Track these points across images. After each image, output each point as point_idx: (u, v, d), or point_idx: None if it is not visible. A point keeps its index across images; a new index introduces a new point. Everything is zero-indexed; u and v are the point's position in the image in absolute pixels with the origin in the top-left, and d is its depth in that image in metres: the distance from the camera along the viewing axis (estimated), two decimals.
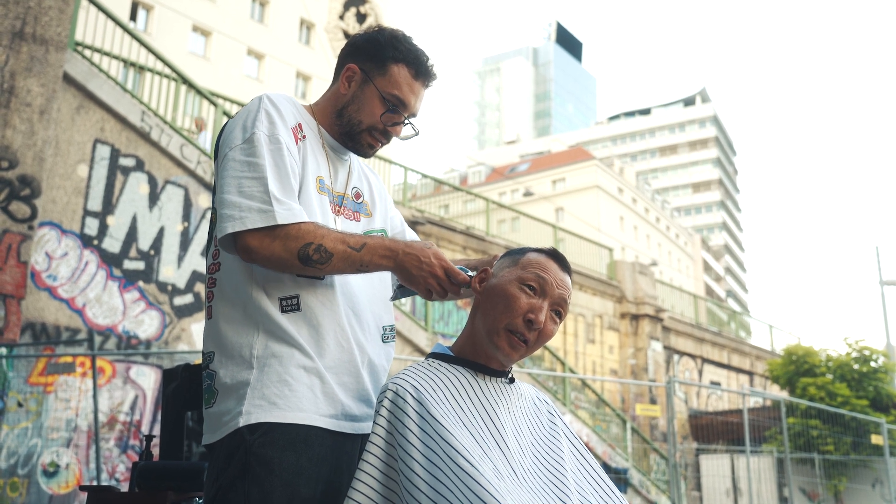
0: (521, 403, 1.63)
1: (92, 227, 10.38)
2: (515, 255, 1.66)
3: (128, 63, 11.63)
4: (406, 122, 1.80)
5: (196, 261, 11.24)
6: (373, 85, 1.73)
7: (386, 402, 1.51)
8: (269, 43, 34.11)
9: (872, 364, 20.08)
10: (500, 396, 1.58)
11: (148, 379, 10.25)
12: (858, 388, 19.68)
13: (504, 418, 1.55)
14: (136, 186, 10.89)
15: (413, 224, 15.75)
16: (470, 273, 1.66)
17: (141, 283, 10.64)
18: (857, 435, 16.38)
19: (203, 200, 11.49)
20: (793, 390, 20.38)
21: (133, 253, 10.69)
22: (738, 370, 25.11)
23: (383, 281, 1.82)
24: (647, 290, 21.17)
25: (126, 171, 10.73)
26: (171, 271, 10.97)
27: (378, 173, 13.45)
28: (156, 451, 2.09)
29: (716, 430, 19.53)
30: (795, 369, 20.49)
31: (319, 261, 1.52)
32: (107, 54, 11.06)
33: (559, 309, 1.60)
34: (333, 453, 1.56)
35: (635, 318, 20.75)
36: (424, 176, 19.77)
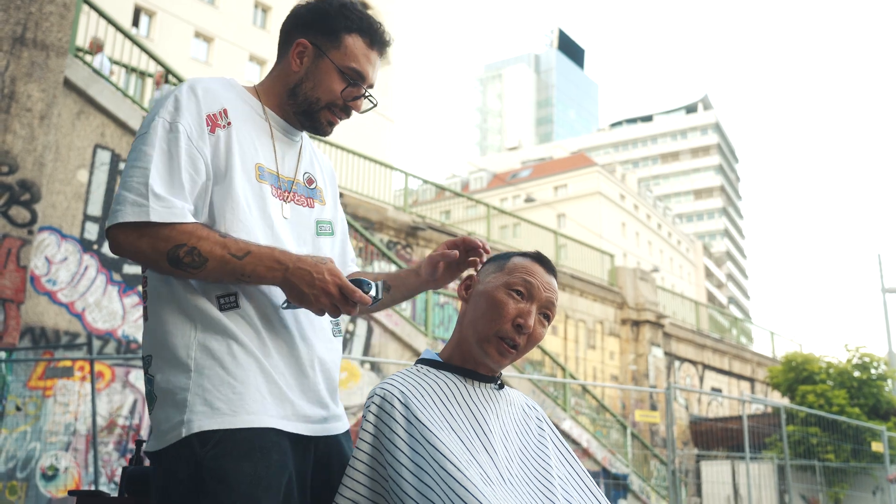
0: (509, 410, 1.62)
1: (92, 231, 10.39)
2: (500, 260, 1.66)
3: (129, 69, 11.67)
4: (365, 94, 1.69)
5: None
6: (328, 59, 1.62)
7: (373, 408, 1.50)
8: (271, 49, 34.14)
9: (872, 371, 20.04)
10: (489, 402, 1.58)
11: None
12: (858, 396, 19.64)
13: (492, 424, 1.54)
14: None
15: (414, 229, 15.76)
16: (372, 293, 1.53)
17: (140, 288, 10.63)
18: (856, 442, 16.33)
19: None
20: (793, 397, 20.34)
21: (138, 269, 10.68)
22: (740, 377, 25.06)
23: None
24: (649, 297, 21.15)
25: None
26: None
27: (378, 178, 13.36)
28: None
29: (716, 437, 19.48)
30: (795, 376, 20.45)
31: (191, 265, 1.42)
32: (109, 59, 11.09)
33: (547, 312, 1.60)
34: (296, 458, 1.50)
35: (636, 324, 20.73)
36: (425, 182, 19.78)
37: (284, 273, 1.46)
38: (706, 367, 23.60)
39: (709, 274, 75.30)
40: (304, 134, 1.77)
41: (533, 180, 55.21)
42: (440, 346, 13.88)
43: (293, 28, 1.67)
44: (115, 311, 10.35)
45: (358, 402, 12.60)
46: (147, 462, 2.14)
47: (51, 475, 9.39)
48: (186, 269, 1.43)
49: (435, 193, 28.52)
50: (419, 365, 1.62)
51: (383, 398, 1.50)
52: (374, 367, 13.03)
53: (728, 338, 28.34)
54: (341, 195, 14.61)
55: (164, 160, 1.46)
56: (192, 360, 1.42)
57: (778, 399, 24.00)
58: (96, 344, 10.05)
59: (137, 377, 9.29)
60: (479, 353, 1.57)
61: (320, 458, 1.58)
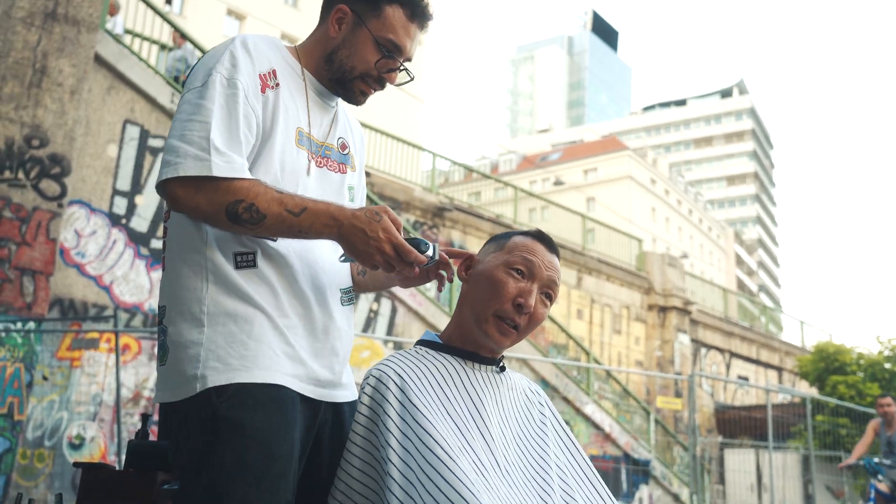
0: (510, 394, 1.59)
1: (120, 206, 10.51)
2: (501, 239, 1.62)
3: (161, 45, 11.73)
4: (401, 67, 1.66)
5: None
6: (366, 28, 1.60)
7: (368, 389, 1.49)
8: (302, 28, 34.16)
9: None
10: (488, 386, 1.55)
11: None
12: (890, 388, 19.34)
13: (490, 409, 1.51)
14: None
15: (440, 210, 15.74)
16: (429, 253, 1.51)
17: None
18: None
19: None
20: (822, 388, 20.09)
21: (160, 233, 10.80)
22: (767, 365, 24.79)
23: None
24: (676, 283, 20.96)
25: (155, 152, 10.83)
26: None
27: (406, 158, 13.39)
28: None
29: (741, 425, 19.33)
30: (825, 366, 20.20)
31: (250, 220, 1.41)
32: (139, 36, 11.16)
33: (549, 291, 1.56)
34: (304, 417, 1.50)
35: (663, 310, 20.56)
36: (454, 163, 19.71)
37: (339, 230, 1.46)
38: (733, 354, 23.37)
39: (739, 261, 74.44)
40: (340, 99, 1.75)
41: (563, 163, 54.86)
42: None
43: None
44: (143, 284, 10.47)
45: None
46: (153, 437, 2.15)
47: (77, 444, 9.57)
48: (245, 224, 1.42)
49: (464, 175, 28.46)
50: (419, 346, 1.60)
51: (379, 379, 1.48)
52: (398, 347, 13.09)
53: (757, 326, 28.03)
54: (368, 174, 14.66)
55: (224, 116, 1.45)
56: (205, 316, 1.43)
57: (806, 389, 23.73)
58: (123, 317, 10.18)
59: None
60: (479, 334, 1.53)
61: (323, 423, 1.57)
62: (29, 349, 8.90)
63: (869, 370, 19.70)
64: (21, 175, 9.26)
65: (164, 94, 10.71)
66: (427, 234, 15.60)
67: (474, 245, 16.53)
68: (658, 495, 16.68)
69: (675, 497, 16.63)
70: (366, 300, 12.90)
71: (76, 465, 2.17)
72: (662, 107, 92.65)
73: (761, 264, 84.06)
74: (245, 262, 1.47)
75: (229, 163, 1.41)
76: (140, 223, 10.60)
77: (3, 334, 8.80)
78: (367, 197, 13.40)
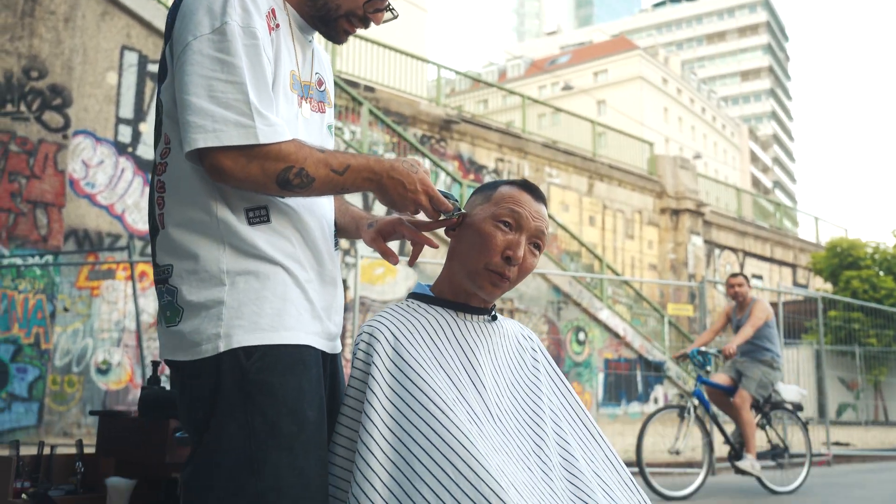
0: (502, 342, 1.59)
1: (125, 134, 10.45)
2: (487, 190, 1.59)
3: None
4: (388, 7, 1.58)
5: None
6: None
7: (362, 345, 1.49)
8: None
9: None
10: (480, 336, 1.55)
11: None
12: None
13: (483, 359, 1.52)
14: None
15: (447, 123, 15.54)
16: (458, 204, 1.54)
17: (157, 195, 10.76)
18: None
19: None
20: (836, 283, 20.17)
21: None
22: (781, 263, 24.80)
23: None
24: (689, 185, 20.80)
25: (155, 78, 10.68)
26: None
27: (410, 71, 13.10)
28: None
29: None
30: (839, 262, 20.22)
31: (300, 185, 1.36)
32: None
33: (537, 241, 1.55)
34: (324, 373, 1.49)
35: (675, 212, 20.48)
36: (459, 74, 19.32)
37: (378, 182, 1.44)
38: (747, 254, 23.37)
39: (754, 158, 73.58)
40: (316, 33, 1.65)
41: (572, 66, 53.71)
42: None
43: None
44: None
45: (394, 296, 12.81)
46: (163, 383, 2.19)
47: (104, 369, 9.83)
48: (294, 189, 1.38)
49: (471, 83, 27.94)
50: (410, 300, 1.60)
51: (371, 335, 1.48)
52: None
53: (772, 221, 27.93)
54: (373, 90, 14.41)
55: (253, 72, 1.35)
56: (225, 275, 1.37)
57: (820, 284, 23.82)
58: (138, 245, 10.27)
59: None
60: (470, 286, 1.53)
61: (326, 374, 1.55)
62: (49, 280, 9.04)
63: (884, 264, 19.69)
64: (23, 108, 9.19)
65: (159, 18, 10.47)
66: (435, 147, 15.45)
67: (483, 157, 16.39)
68: (673, 394, 17.03)
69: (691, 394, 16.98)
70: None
71: (93, 412, 2.22)
72: (673, 2, 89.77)
73: (776, 160, 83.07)
74: (258, 217, 1.41)
75: (272, 126, 1.33)
76: (146, 151, 10.55)
77: (23, 267, 8.92)
78: (372, 113, 13.26)
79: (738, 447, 6.46)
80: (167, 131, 1.44)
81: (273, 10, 1.46)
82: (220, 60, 1.33)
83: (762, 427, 6.75)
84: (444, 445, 1.31)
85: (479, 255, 1.52)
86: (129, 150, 10.44)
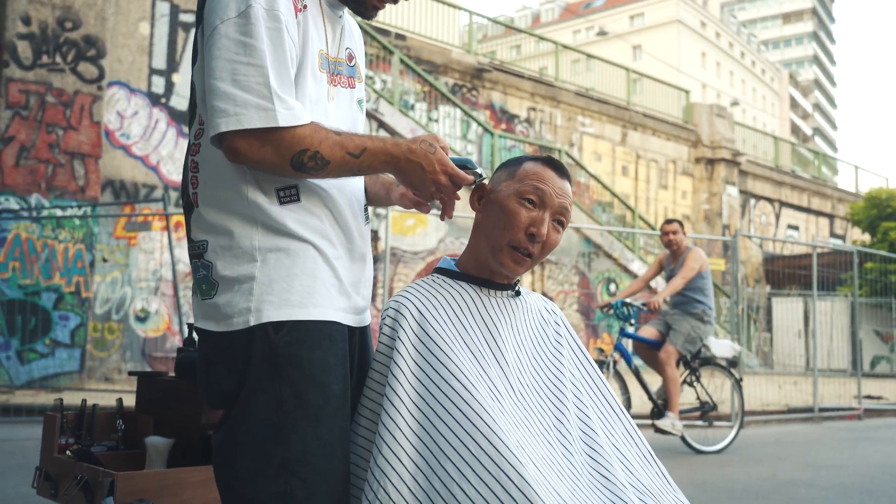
0: (525, 317, 1.62)
1: (159, 85, 10.51)
2: (511, 166, 1.60)
3: None
4: None
5: None
6: None
7: (388, 320, 1.53)
8: None
9: None
10: (504, 311, 1.58)
11: None
12: None
13: (505, 334, 1.55)
14: None
15: (479, 71, 15.36)
16: (479, 170, 1.54)
17: (190, 175, 10.84)
18: None
19: None
20: (874, 234, 19.82)
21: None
22: (818, 213, 24.39)
23: None
24: (725, 134, 20.42)
25: (187, 28, 10.68)
26: None
27: (441, 18, 12.92)
28: None
29: (790, 274, 19.29)
30: (878, 213, 19.84)
31: (314, 168, 1.38)
32: None
33: (561, 218, 1.56)
34: (352, 346, 1.54)
35: (711, 162, 20.16)
36: (490, 20, 18.99)
37: (396, 165, 1.46)
38: (783, 204, 23.00)
39: (794, 104, 71.79)
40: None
41: (607, 10, 52.50)
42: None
43: None
44: None
45: (424, 247, 12.87)
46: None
47: (143, 317, 10.07)
48: (309, 171, 1.40)
49: (503, 28, 27.47)
50: (436, 275, 1.62)
51: (398, 311, 1.52)
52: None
53: (811, 170, 27.38)
54: (404, 38, 14.25)
55: (275, 56, 1.36)
56: (257, 251, 1.41)
57: (858, 235, 23.43)
58: (172, 195, 10.41)
59: None
60: (494, 263, 1.55)
61: (352, 347, 1.59)
62: (87, 230, 9.23)
63: None
64: (58, 59, 9.27)
65: None
66: (467, 97, 15.31)
67: (515, 106, 16.22)
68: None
69: None
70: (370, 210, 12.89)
71: (131, 373, 2.30)
72: None
73: (817, 106, 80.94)
74: (288, 196, 1.44)
75: (290, 109, 1.35)
76: (179, 102, 10.61)
77: (62, 217, 9.11)
78: (402, 62, 13.14)
79: (662, 405, 6.03)
80: (200, 112, 1.46)
81: None
82: (244, 43, 1.35)
83: (690, 384, 6.28)
84: (466, 422, 1.35)
85: (503, 231, 1.54)
86: (163, 100, 10.51)
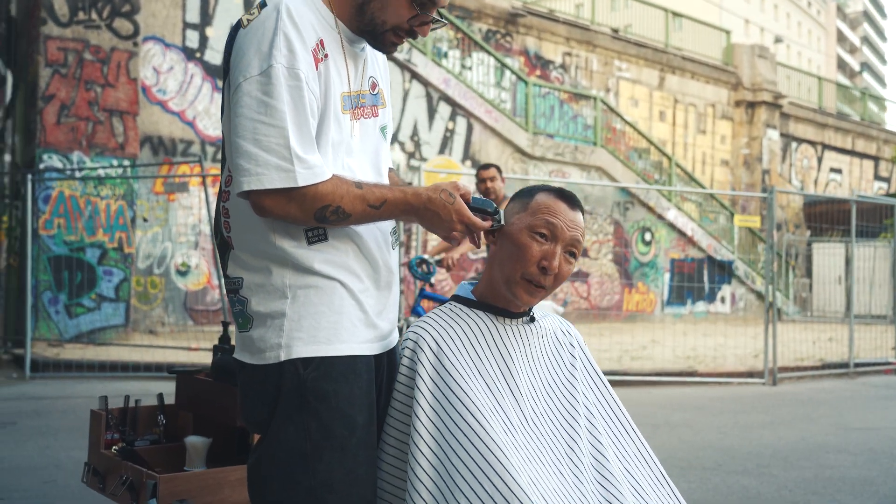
0: (540, 342, 1.66)
1: (193, 39, 10.52)
2: (524, 198, 1.62)
3: None
4: (436, 19, 1.58)
5: None
6: None
7: (407, 352, 1.59)
8: None
9: None
10: (518, 339, 1.62)
11: None
12: None
13: (520, 363, 1.59)
14: None
15: (513, 17, 15.08)
16: (497, 216, 1.61)
17: (223, 218, 10.86)
18: None
19: None
20: None
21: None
22: (863, 155, 23.76)
23: (385, 174, 1.72)
24: (766, 75, 19.86)
25: None
26: None
27: None
28: None
29: (832, 219, 18.92)
30: None
31: (336, 220, 1.46)
32: None
33: (573, 249, 1.59)
34: (375, 375, 1.60)
35: (751, 105, 19.68)
36: None
37: (416, 214, 1.53)
38: (826, 146, 22.44)
39: (841, 38, 69.29)
40: None
41: None
42: (541, 142, 13.73)
43: None
44: None
45: None
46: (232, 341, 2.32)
47: (184, 271, 10.30)
48: (331, 223, 1.48)
49: None
50: (453, 303, 1.66)
51: (416, 343, 1.57)
52: (475, 165, 13.13)
53: (857, 107, 26.59)
54: None
55: (295, 115, 1.42)
56: (287, 289, 1.48)
57: None
58: (209, 150, 10.52)
59: None
60: (508, 294, 1.59)
61: (380, 369, 1.65)
62: (128, 187, 9.40)
63: None
64: (94, 15, 9.32)
65: None
66: (500, 43, 15.06)
67: (550, 52, 15.94)
68: (741, 293, 16.92)
69: (758, 295, 16.83)
70: (441, 120, 12.83)
71: (171, 371, 2.40)
72: None
73: (865, 39, 78.04)
74: (316, 236, 1.50)
75: (311, 168, 1.41)
76: (214, 56, 10.63)
77: (103, 174, 9.28)
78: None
79: None
80: (228, 162, 1.52)
81: (321, 41, 1.49)
82: (265, 103, 1.41)
83: None
84: (480, 458, 1.41)
85: (516, 264, 1.57)
86: (197, 55, 10.53)
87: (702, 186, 16.98)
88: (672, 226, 15.67)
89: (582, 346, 1.73)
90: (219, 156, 10.61)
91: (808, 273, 19.89)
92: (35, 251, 8.42)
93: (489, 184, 5.50)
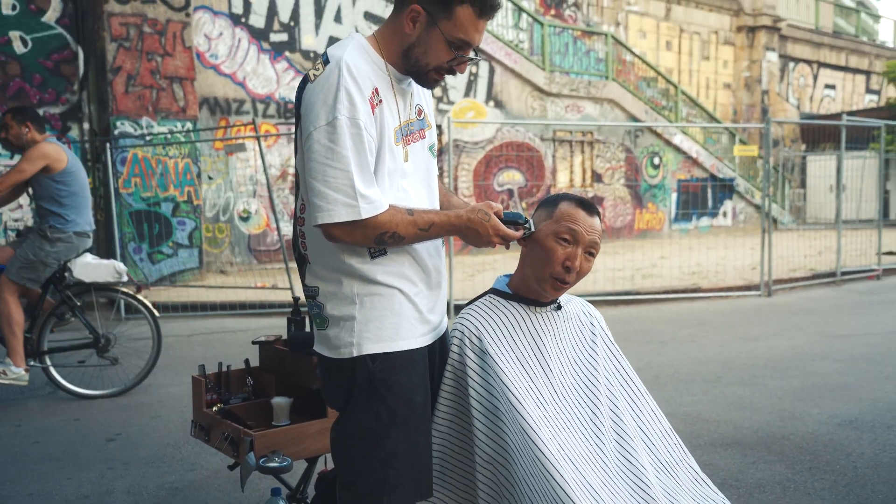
0: (566, 325, 1.80)
1: (237, 6, 10.46)
2: (549, 206, 1.73)
3: None
4: (471, 58, 1.66)
5: (330, 27, 11.21)
6: (438, 29, 1.57)
7: (455, 341, 1.75)
8: None
9: None
10: (548, 324, 1.76)
11: None
12: None
13: (549, 344, 1.74)
14: None
15: None
16: (528, 226, 1.73)
17: (287, 53, 10.85)
18: None
19: None
20: None
21: (276, 26, 10.78)
22: (856, 71, 22.95)
23: (435, 188, 1.81)
24: (766, 0, 19.11)
25: None
26: (310, 39, 11.05)
27: None
28: None
29: (825, 133, 18.51)
30: None
31: (393, 243, 1.59)
32: None
33: (592, 250, 1.72)
34: (431, 352, 1.76)
35: (752, 30, 19.02)
36: None
37: (458, 232, 1.66)
38: (821, 64, 21.71)
39: None
40: None
41: None
42: (557, 79, 13.50)
43: None
44: (270, 76, 10.70)
45: (483, 137, 12.83)
46: (307, 324, 2.49)
47: (245, 217, 10.55)
48: (389, 245, 1.60)
49: None
50: (491, 295, 1.81)
51: (463, 333, 1.74)
52: (498, 104, 13.02)
53: (853, 20, 25.50)
54: None
55: (357, 158, 1.52)
56: (356, 297, 1.62)
57: (893, 92, 22.08)
58: (259, 107, 10.60)
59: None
60: (538, 289, 1.73)
61: (432, 351, 1.80)
62: (192, 146, 9.56)
63: None
64: None
65: None
66: None
67: None
68: (741, 207, 16.79)
69: (757, 207, 16.69)
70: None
71: (254, 342, 2.60)
72: None
73: None
74: (378, 252, 1.63)
75: (372, 203, 1.53)
76: (257, 20, 10.58)
77: (170, 136, 9.44)
78: None
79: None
80: (302, 193, 1.66)
81: (376, 89, 1.59)
82: (332, 150, 1.53)
83: (62, 317, 4.54)
84: (520, 432, 1.57)
85: (544, 265, 1.71)
86: (243, 20, 10.49)
87: (706, 111, 16.63)
88: (678, 149, 15.49)
89: (601, 324, 1.87)
90: (268, 112, 10.71)
91: (803, 184, 19.58)
92: (118, 208, 8.70)
93: (3, 134, 4.31)
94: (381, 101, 1.60)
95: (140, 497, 2.96)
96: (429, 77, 1.67)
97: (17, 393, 4.68)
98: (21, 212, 8.73)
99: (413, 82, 1.72)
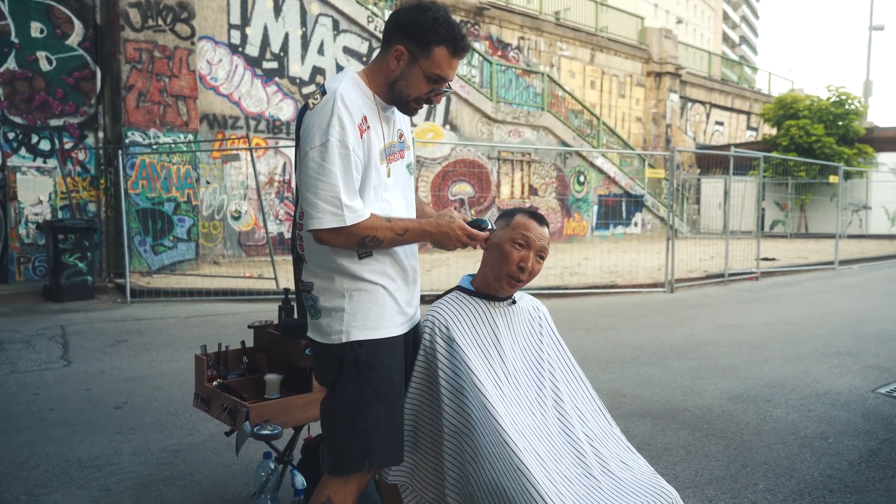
0: (518, 318, 1.77)
1: (236, 37, 10.18)
2: (507, 217, 1.71)
3: None
4: (444, 91, 1.66)
5: (314, 58, 11.00)
6: (418, 66, 1.58)
7: (427, 330, 1.70)
8: None
9: (847, 107, 18.64)
10: (504, 317, 1.74)
11: (291, 150, 10.63)
12: (832, 128, 18.51)
13: (505, 334, 1.71)
14: (264, 1, 10.41)
15: (480, 9, 14.63)
16: (489, 227, 1.70)
17: (276, 79, 10.61)
18: (825, 160, 15.72)
19: (314, 8, 10.92)
20: (779, 129, 19.36)
21: (268, 55, 10.52)
22: (739, 111, 23.73)
23: (412, 199, 1.78)
24: (670, 52, 19.55)
25: None
26: (297, 67, 10.83)
27: None
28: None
29: (716, 161, 19.07)
30: (784, 113, 19.26)
31: (372, 245, 1.58)
32: None
33: (542, 254, 1.69)
34: (405, 339, 1.73)
35: (658, 75, 19.45)
36: None
37: (430, 236, 1.64)
38: (713, 105, 22.36)
39: (726, 17, 67.68)
40: None
41: None
42: (502, 108, 13.53)
43: (394, 33, 1.61)
44: (262, 97, 10.45)
45: (441, 154, 12.77)
46: (295, 311, 2.40)
47: (236, 216, 10.27)
48: (369, 248, 1.58)
49: None
50: (458, 292, 1.76)
51: (433, 323, 1.68)
52: (453, 128, 12.98)
53: (737, 70, 26.30)
54: None
55: (344, 174, 1.51)
56: (346, 291, 1.60)
57: (768, 130, 22.85)
58: (252, 123, 10.33)
59: (284, 147, 9.63)
60: (496, 286, 1.69)
61: (406, 338, 1.76)
62: (192, 155, 9.26)
63: (818, 114, 18.74)
64: (160, 21, 8.98)
65: None
66: (470, 31, 14.66)
67: (508, 37, 15.54)
68: (649, 218, 17.14)
69: (662, 219, 17.05)
70: None
71: (250, 326, 2.50)
72: None
73: (744, 18, 76.25)
74: (365, 253, 1.61)
75: (355, 212, 1.52)
76: (252, 49, 10.32)
77: (174, 145, 9.13)
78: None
79: None
80: (301, 203, 1.61)
81: (365, 117, 1.57)
82: (323, 167, 1.50)
83: None
84: (483, 409, 1.54)
85: (502, 266, 1.67)
86: (240, 49, 10.21)
87: (622, 139, 16.90)
88: (600, 170, 15.72)
89: (547, 318, 1.85)
90: (259, 127, 10.45)
91: (698, 201, 20.13)
92: (126, 206, 8.37)
93: None
94: (368, 127, 1.58)
95: (145, 458, 2.84)
96: (409, 106, 1.65)
97: (34, 366, 4.45)
98: (41, 207, 8.32)
99: (396, 110, 1.70)
